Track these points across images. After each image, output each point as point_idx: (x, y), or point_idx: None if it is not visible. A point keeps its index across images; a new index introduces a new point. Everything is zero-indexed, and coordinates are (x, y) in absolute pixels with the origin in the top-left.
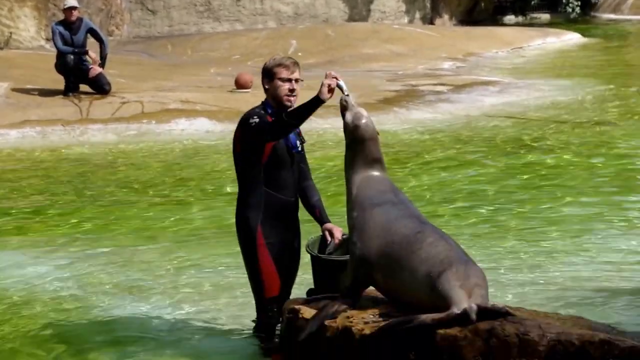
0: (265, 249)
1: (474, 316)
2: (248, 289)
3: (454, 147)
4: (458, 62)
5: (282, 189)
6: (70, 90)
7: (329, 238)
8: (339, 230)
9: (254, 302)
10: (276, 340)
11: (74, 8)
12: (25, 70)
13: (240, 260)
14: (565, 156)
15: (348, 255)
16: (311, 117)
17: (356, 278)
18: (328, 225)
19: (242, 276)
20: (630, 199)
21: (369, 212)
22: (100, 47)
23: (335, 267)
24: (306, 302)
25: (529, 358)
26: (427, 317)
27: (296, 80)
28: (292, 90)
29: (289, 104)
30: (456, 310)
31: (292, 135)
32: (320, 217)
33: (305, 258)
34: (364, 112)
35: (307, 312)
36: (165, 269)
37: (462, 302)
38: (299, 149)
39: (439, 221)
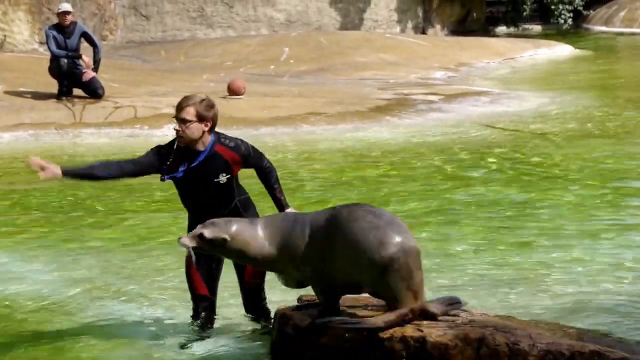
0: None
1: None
2: (234, 292)
3: (444, 157)
4: (450, 72)
5: (191, 209)
6: (63, 94)
7: None
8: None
9: (241, 304)
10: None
11: (68, 12)
12: (19, 73)
13: (227, 264)
14: (555, 168)
15: None
16: (302, 125)
17: (323, 292)
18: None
19: (229, 280)
20: (620, 210)
21: (285, 239)
22: (94, 52)
23: None
24: (297, 308)
25: None
26: (377, 320)
27: (182, 120)
28: (176, 130)
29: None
30: (404, 310)
31: (178, 170)
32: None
33: None
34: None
35: (298, 318)
36: (153, 273)
37: (410, 303)
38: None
39: (426, 231)
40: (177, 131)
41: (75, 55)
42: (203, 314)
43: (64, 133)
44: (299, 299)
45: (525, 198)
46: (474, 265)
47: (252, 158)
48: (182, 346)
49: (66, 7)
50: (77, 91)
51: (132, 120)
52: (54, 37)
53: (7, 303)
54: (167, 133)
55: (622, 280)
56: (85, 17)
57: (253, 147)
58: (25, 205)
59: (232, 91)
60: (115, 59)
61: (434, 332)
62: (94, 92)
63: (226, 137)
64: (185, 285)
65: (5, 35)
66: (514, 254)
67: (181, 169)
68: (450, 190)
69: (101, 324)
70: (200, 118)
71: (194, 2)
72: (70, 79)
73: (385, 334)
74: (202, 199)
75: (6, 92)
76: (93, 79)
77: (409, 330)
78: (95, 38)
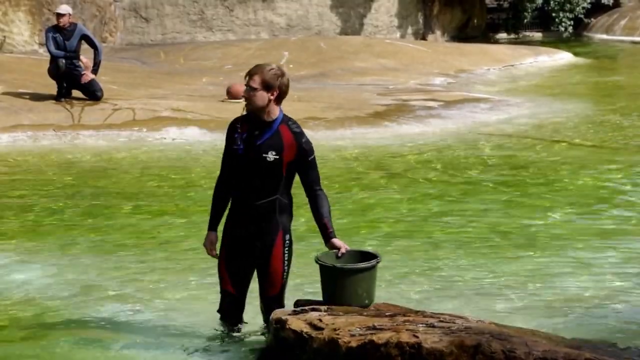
0: (223, 246)
1: None
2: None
3: (442, 163)
4: (449, 78)
5: (236, 189)
6: (62, 95)
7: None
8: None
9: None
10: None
11: (62, 15)
12: (18, 75)
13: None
14: (552, 175)
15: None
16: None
17: None
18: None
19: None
20: (616, 218)
21: None
22: (94, 54)
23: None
24: (294, 312)
25: None
26: None
27: (249, 87)
28: (244, 96)
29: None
30: None
31: (240, 142)
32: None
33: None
34: None
35: (295, 322)
36: (149, 275)
37: None
38: (244, 150)
39: (425, 238)
40: (245, 97)
41: (73, 55)
42: (226, 309)
43: (62, 135)
44: (296, 303)
45: (521, 204)
46: (475, 272)
47: (307, 155)
48: (177, 351)
49: (61, 9)
50: (76, 93)
51: (130, 123)
52: (53, 38)
53: (3, 303)
54: (165, 135)
55: (619, 290)
56: (86, 19)
57: (314, 153)
58: (23, 206)
59: (232, 95)
60: (115, 61)
61: (430, 338)
62: (92, 94)
63: (295, 122)
64: (181, 288)
65: (5, 36)
66: (509, 262)
67: (241, 144)
68: (450, 197)
69: (98, 325)
70: (266, 86)
71: (194, 5)
72: (69, 81)
73: (380, 340)
74: (248, 176)
75: (5, 93)
76: (92, 81)
77: (405, 336)
78: (96, 40)
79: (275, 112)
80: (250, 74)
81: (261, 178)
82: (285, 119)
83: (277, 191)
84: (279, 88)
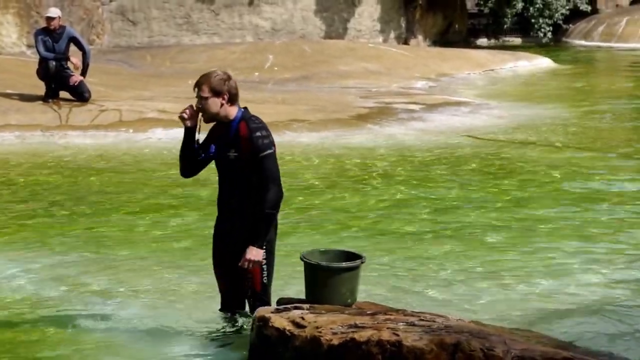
0: (213, 244)
1: None
2: (212, 295)
3: (422, 165)
4: (431, 82)
5: (219, 187)
6: (50, 96)
7: None
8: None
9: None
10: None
11: (52, 18)
12: (6, 75)
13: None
14: (532, 176)
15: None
16: (285, 131)
17: None
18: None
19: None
20: (596, 218)
21: None
22: (83, 56)
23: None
24: (276, 310)
25: None
26: None
27: (200, 98)
28: (198, 107)
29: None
30: None
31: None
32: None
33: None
34: None
35: (277, 320)
36: (138, 273)
37: None
38: (209, 154)
39: (405, 237)
40: (199, 108)
41: (62, 57)
42: (222, 302)
43: (49, 135)
44: (278, 301)
45: (501, 208)
46: (456, 273)
47: (258, 151)
48: (162, 348)
49: (51, 12)
50: (63, 94)
51: (117, 124)
52: (42, 40)
53: None
54: (151, 136)
55: (596, 290)
56: (73, 22)
57: (268, 150)
58: (10, 204)
59: None
60: (102, 63)
61: (410, 336)
62: (80, 95)
63: (257, 119)
64: (168, 287)
65: None
66: (489, 263)
67: (213, 146)
68: (429, 199)
69: (86, 323)
70: (216, 92)
71: (180, 9)
72: (58, 82)
73: (362, 338)
74: (220, 176)
75: None
76: (80, 82)
77: (386, 334)
78: (84, 43)
79: (232, 112)
80: (198, 85)
81: (230, 177)
82: (246, 117)
83: (248, 190)
84: (228, 91)
